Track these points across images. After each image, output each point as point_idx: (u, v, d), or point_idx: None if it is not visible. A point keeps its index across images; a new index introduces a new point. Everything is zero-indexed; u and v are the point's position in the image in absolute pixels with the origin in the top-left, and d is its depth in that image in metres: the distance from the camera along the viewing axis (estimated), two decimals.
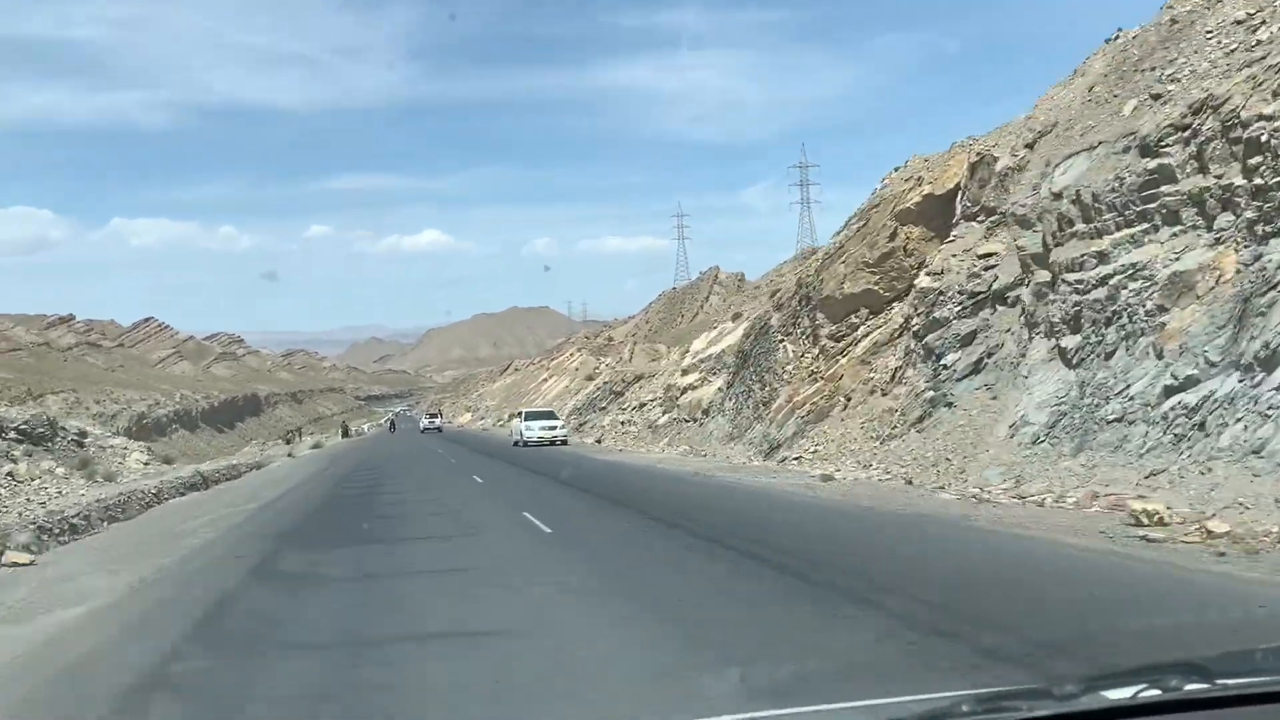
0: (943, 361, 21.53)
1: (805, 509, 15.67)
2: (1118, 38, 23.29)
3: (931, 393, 21.24)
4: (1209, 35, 17.86)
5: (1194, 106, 15.56)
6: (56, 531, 15.35)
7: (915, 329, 23.31)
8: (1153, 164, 16.02)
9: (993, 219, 22.75)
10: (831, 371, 27.26)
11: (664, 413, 42.05)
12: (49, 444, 27.27)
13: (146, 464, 33.37)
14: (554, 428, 40.77)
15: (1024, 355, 18.93)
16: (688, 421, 38.68)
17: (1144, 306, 15.49)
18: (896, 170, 31.15)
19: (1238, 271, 13.72)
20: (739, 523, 14.47)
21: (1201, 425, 13.14)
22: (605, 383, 58.23)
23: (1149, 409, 14.43)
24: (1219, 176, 14.69)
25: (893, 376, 24.29)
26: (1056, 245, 18.28)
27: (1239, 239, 14.01)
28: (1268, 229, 13.41)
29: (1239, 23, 17.17)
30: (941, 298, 22.26)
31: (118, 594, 10.03)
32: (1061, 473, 15.19)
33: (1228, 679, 2.07)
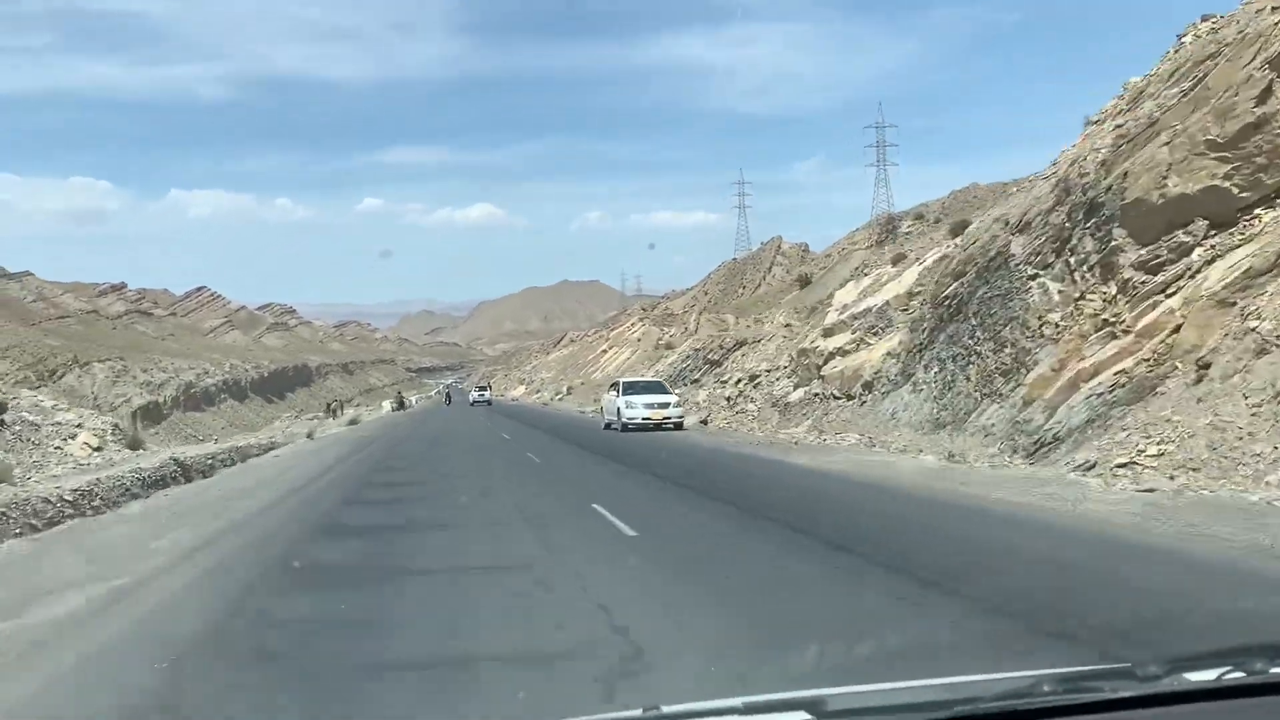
0: None
1: None
2: None
3: None
4: None
5: None
6: None
7: None
8: None
9: None
10: (1147, 321, 16.35)
11: (796, 386, 31.20)
12: None
13: (98, 449, 23.29)
14: (666, 404, 29.26)
15: None
16: (840, 399, 27.86)
17: None
18: (1204, 19, 19.98)
19: None
20: None
21: None
22: (697, 349, 47.43)
23: None
24: None
25: None
26: None
27: None
28: None
29: None
30: None
31: None
32: None
33: None
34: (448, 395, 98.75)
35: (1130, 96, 20.22)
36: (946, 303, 22.44)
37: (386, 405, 77.04)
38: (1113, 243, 17.36)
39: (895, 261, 30.86)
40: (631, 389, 30.80)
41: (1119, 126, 18.62)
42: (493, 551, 9.57)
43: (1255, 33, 16.46)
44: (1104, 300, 17.37)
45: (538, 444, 25.33)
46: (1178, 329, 15.78)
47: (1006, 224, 20.96)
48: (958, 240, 28.11)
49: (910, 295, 27.55)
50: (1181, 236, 16.59)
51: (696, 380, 44.50)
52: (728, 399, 37.81)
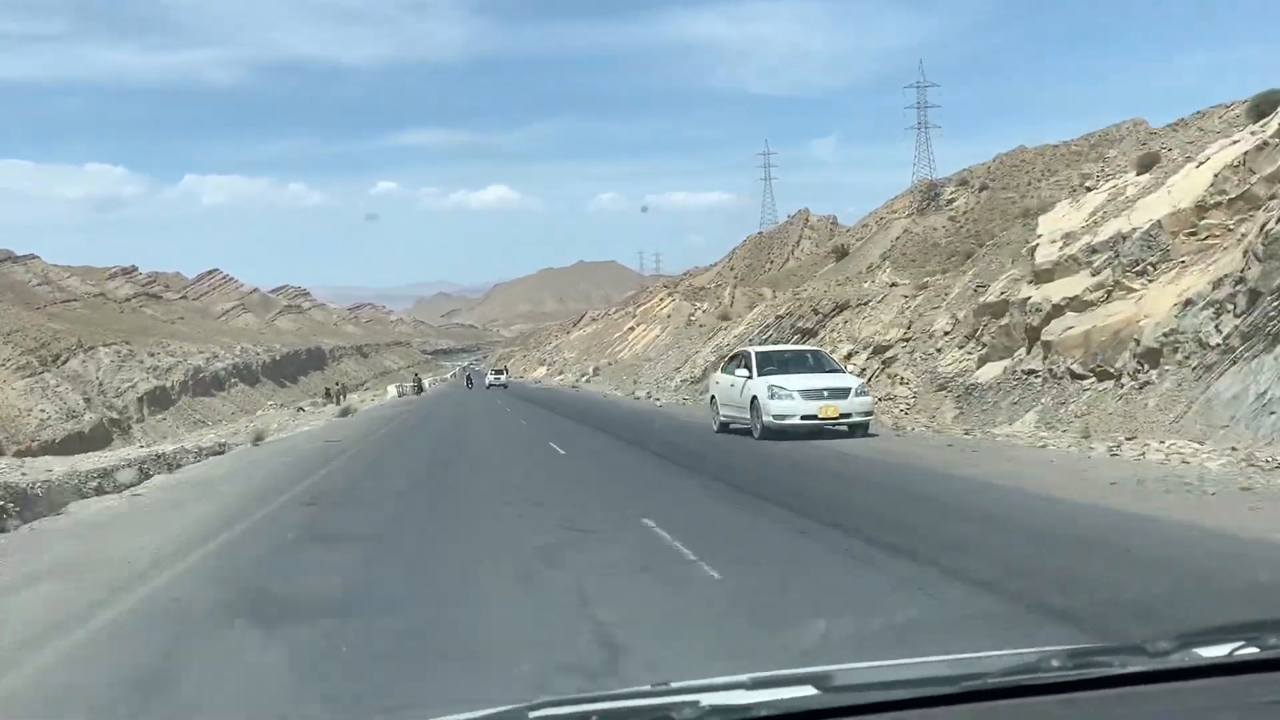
0: None
1: None
2: None
3: None
4: None
5: None
6: None
7: None
8: None
9: None
10: None
11: (984, 360, 20.25)
12: None
13: None
14: (842, 391, 16.32)
15: None
16: (1083, 377, 16.97)
17: None
18: None
19: None
20: None
21: None
22: (780, 316, 36.31)
23: None
24: None
25: None
26: None
27: None
28: None
29: None
30: None
31: None
32: None
33: None
34: (468, 378, 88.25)
35: None
36: None
37: (392, 390, 65.97)
38: None
39: (1145, 167, 19.85)
40: (775, 364, 17.60)
41: None
42: None
43: None
44: None
45: (626, 471, 14.03)
46: None
47: None
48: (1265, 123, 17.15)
49: (1201, 209, 16.61)
50: None
51: None
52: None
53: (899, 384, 22.61)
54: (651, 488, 11.67)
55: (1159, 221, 17.28)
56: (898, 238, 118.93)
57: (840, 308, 32.73)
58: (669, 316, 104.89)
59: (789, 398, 16.00)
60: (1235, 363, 13.81)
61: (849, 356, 29.48)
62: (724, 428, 18.19)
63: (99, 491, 11.72)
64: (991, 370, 19.52)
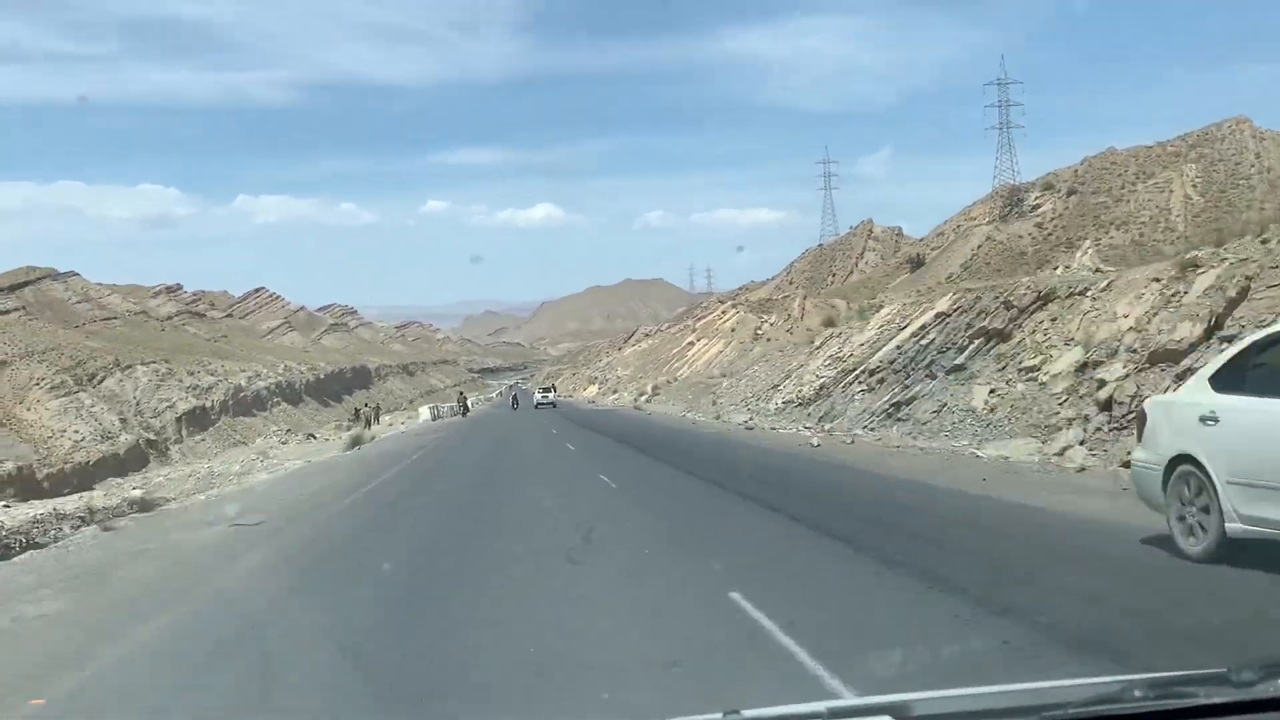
0: None
1: None
2: None
3: None
4: None
5: None
6: None
7: None
8: None
9: None
10: None
11: None
12: None
13: None
14: None
15: None
16: None
17: None
18: None
19: None
20: None
21: None
22: (944, 314, 25.74)
23: None
24: None
25: None
26: None
27: None
28: None
29: None
30: None
31: None
32: None
33: None
34: (514, 398, 78.43)
35: None
36: None
37: (425, 412, 56.03)
38: None
39: None
40: None
41: None
42: None
43: None
44: None
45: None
46: None
47: None
48: None
49: None
50: None
51: (960, 368, 23.11)
52: (1099, 405, 16.67)
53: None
54: None
55: None
56: (979, 246, 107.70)
57: (1043, 299, 22.27)
58: (733, 330, 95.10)
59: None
60: None
61: (1083, 368, 19.09)
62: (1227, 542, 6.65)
63: None
64: None
